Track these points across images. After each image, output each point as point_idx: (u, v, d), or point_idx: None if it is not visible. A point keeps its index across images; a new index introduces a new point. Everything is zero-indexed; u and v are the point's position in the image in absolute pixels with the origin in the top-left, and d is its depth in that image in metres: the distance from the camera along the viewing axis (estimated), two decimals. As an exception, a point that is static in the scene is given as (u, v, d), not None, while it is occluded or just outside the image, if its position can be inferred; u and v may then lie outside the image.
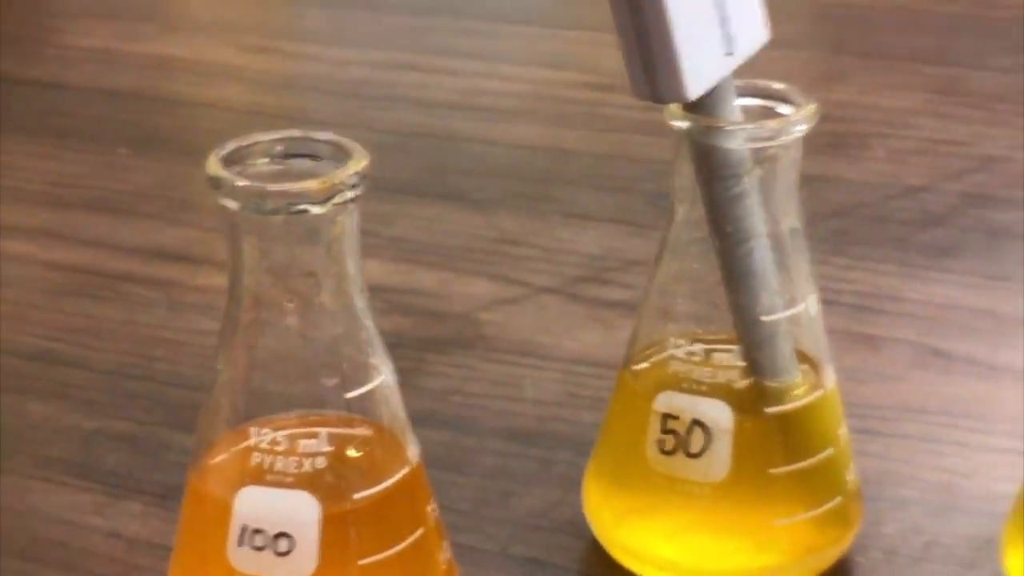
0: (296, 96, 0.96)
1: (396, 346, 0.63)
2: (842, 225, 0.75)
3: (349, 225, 0.44)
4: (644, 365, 0.52)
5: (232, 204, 0.43)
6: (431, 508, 0.47)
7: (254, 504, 0.44)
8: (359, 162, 0.43)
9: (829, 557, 0.52)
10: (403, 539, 0.46)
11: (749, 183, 0.48)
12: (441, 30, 1.03)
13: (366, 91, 0.94)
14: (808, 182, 0.78)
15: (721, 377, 0.50)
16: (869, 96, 0.89)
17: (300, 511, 0.44)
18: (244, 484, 0.45)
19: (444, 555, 0.48)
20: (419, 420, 0.49)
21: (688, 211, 0.49)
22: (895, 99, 0.89)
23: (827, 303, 0.65)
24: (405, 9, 1.07)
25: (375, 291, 0.68)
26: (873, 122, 0.86)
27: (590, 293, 0.70)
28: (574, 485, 0.55)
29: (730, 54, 0.46)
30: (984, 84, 0.91)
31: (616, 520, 0.53)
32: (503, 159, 0.84)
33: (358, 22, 1.06)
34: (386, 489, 0.45)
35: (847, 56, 0.97)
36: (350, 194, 0.43)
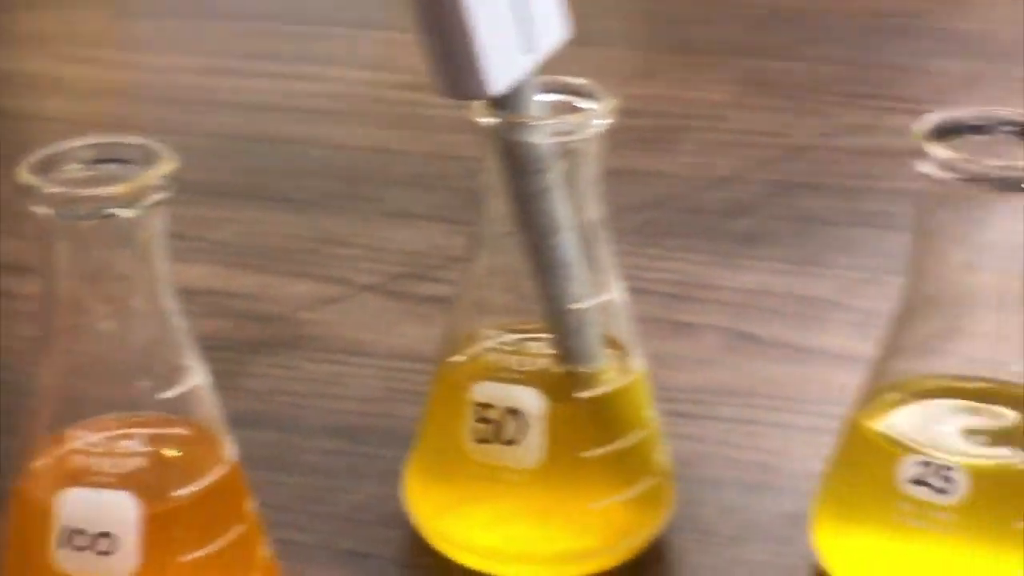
0: (119, 104, 0.96)
1: (220, 349, 0.64)
2: (655, 216, 0.77)
3: (159, 228, 0.44)
4: (460, 357, 0.53)
5: (43, 210, 0.43)
6: (250, 504, 0.48)
7: (75, 505, 0.45)
8: (166, 165, 0.44)
9: (644, 538, 0.53)
10: (223, 535, 0.46)
11: (554, 177, 0.49)
12: (260, 35, 1.03)
13: (188, 97, 0.93)
14: (621, 175, 0.79)
15: (533, 365, 0.51)
16: (680, 90, 0.91)
17: (120, 511, 0.45)
18: (65, 486, 0.45)
19: (265, 550, 0.49)
20: (244, 421, 0.49)
21: (497, 206, 0.50)
22: (705, 92, 0.91)
23: (642, 292, 0.67)
24: (224, 16, 1.07)
25: (197, 295, 0.69)
26: (684, 116, 0.88)
27: (411, 290, 0.71)
28: (397, 478, 0.55)
29: (531, 51, 0.48)
30: (790, 75, 0.93)
31: (436, 511, 0.53)
32: (325, 160, 0.84)
33: (179, 30, 1.06)
34: (204, 487, 0.46)
35: (658, 52, 0.98)
36: (158, 197, 0.43)
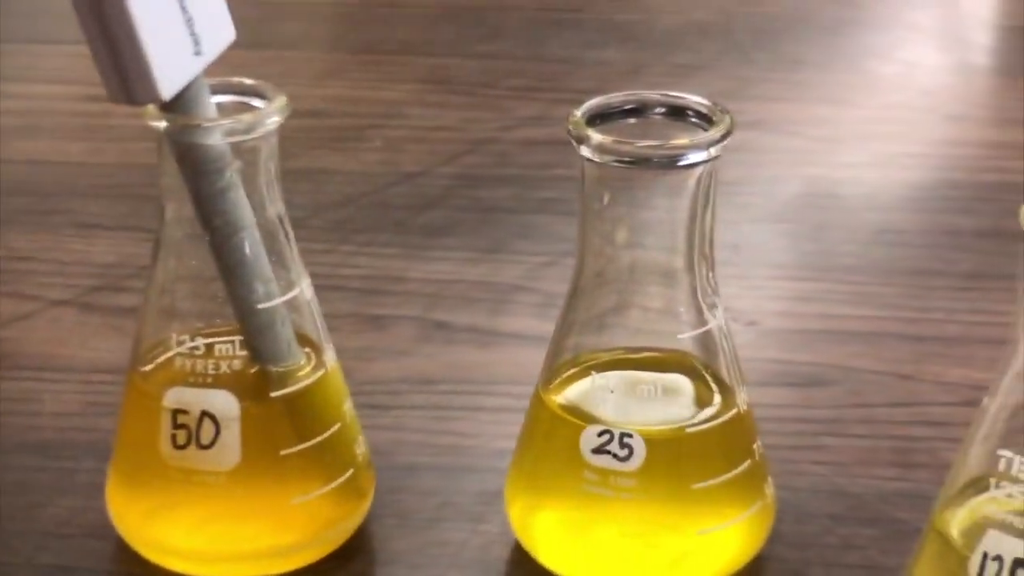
0: None
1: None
2: (346, 214, 0.78)
3: None
4: (150, 366, 0.53)
5: None
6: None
7: None
8: None
9: (347, 529, 0.54)
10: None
11: (232, 176, 0.49)
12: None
13: None
14: (310, 175, 0.80)
15: (226, 368, 0.52)
16: (363, 90, 0.92)
17: None
18: None
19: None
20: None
21: (178, 209, 0.51)
22: (388, 91, 0.92)
23: (336, 289, 0.69)
24: None
25: None
26: (369, 115, 0.89)
27: (104, 302, 0.70)
28: (98, 491, 0.55)
29: (199, 53, 0.48)
30: (467, 71, 0.95)
31: (140, 519, 0.54)
32: (10, 177, 0.83)
33: None
34: None
35: (341, 53, 0.99)
36: None
